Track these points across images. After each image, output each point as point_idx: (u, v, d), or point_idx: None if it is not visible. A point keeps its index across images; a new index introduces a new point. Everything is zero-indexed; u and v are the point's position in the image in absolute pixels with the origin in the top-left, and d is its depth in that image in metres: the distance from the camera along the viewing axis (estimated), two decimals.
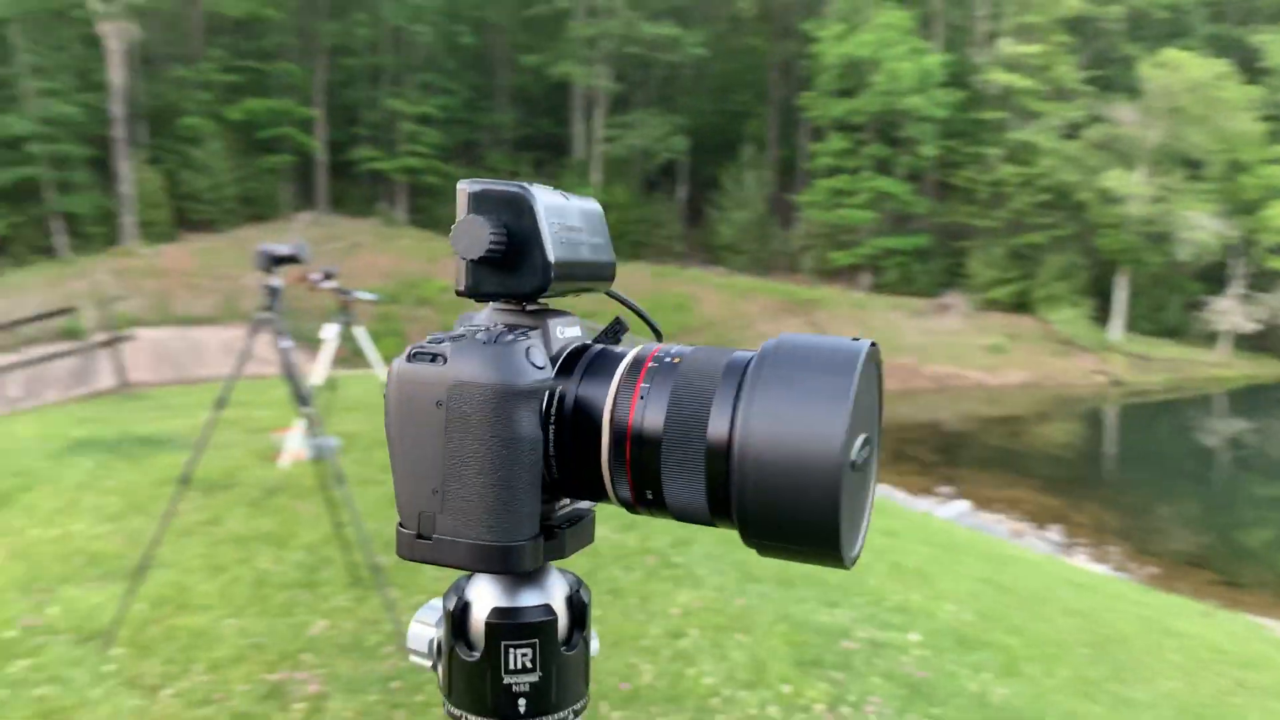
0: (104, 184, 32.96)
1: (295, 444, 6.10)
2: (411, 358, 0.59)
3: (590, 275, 0.67)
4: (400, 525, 0.61)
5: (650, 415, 0.58)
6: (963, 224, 33.22)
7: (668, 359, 0.60)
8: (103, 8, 30.61)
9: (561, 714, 0.64)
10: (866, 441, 0.56)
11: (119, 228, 31.95)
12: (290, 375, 3.48)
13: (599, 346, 0.66)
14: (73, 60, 33.18)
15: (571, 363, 0.63)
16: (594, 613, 3.00)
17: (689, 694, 3.12)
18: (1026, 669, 4.10)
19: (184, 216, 33.54)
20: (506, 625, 0.62)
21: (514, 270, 0.62)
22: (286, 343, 3.46)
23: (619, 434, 0.59)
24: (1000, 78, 31.92)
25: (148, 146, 34.36)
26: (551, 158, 39.29)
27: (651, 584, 4.21)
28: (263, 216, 35.71)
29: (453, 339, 0.60)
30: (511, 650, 0.62)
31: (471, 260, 0.61)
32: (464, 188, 0.63)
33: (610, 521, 5.02)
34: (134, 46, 33.71)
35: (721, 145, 37.53)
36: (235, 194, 34.71)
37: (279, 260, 3.50)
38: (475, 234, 0.60)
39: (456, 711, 0.63)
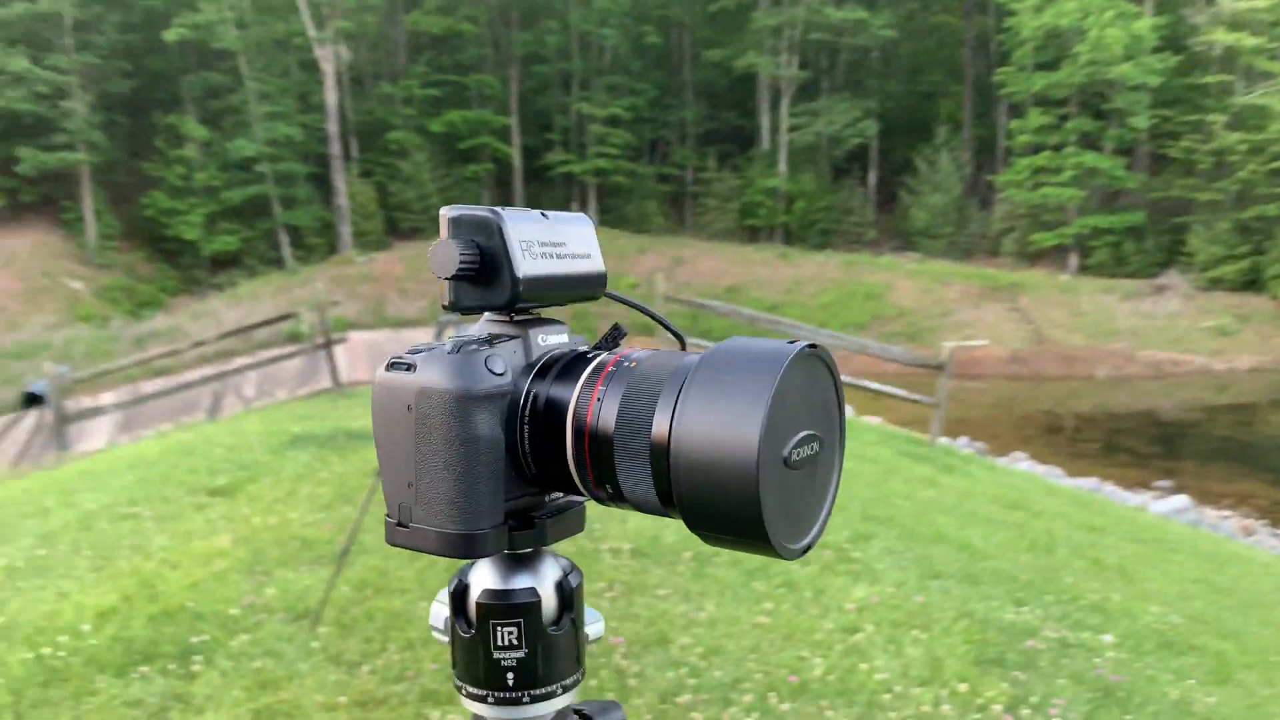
0: (323, 198, 35.61)
1: None
2: (389, 367, 0.66)
3: (572, 286, 0.73)
4: (386, 515, 0.68)
5: (605, 415, 0.63)
6: (1181, 198, 30.69)
7: (626, 364, 0.65)
8: (317, 34, 33.02)
9: (549, 688, 0.70)
10: (812, 439, 0.59)
11: (337, 238, 34.42)
12: None
13: (575, 352, 0.71)
14: (293, 85, 36.01)
15: (549, 368, 0.69)
16: (765, 606, 3.02)
17: (860, 689, 3.09)
18: (1240, 677, 3.80)
19: (394, 225, 35.72)
20: (495, 606, 0.69)
21: (489, 285, 0.68)
22: None
23: (579, 432, 0.64)
24: (1222, 37, 29.27)
25: (360, 161, 36.82)
26: (737, 150, 39.25)
27: (826, 578, 4.17)
28: None
29: (426, 350, 0.66)
30: (499, 628, 0.69)
31: (448, 278, 0.67)
32: (443, 213, 0.70)
33: None
34: (345, 68, 36.20)
35: (913, 127, 36.32)
36: (440, 202, 36.55)
37: None
38: (448, 255, 0.67)
39: (459, 683, 0.71)
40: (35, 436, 13.08)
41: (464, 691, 0.71)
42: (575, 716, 0.73)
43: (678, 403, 0.58)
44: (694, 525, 0.59)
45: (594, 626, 0.76)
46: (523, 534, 0.69)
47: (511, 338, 0.69)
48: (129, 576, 4.19)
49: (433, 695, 3.08)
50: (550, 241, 0.71)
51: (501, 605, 0.69)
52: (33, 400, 14.78)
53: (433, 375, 0.64)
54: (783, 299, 30.08)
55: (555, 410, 0.66)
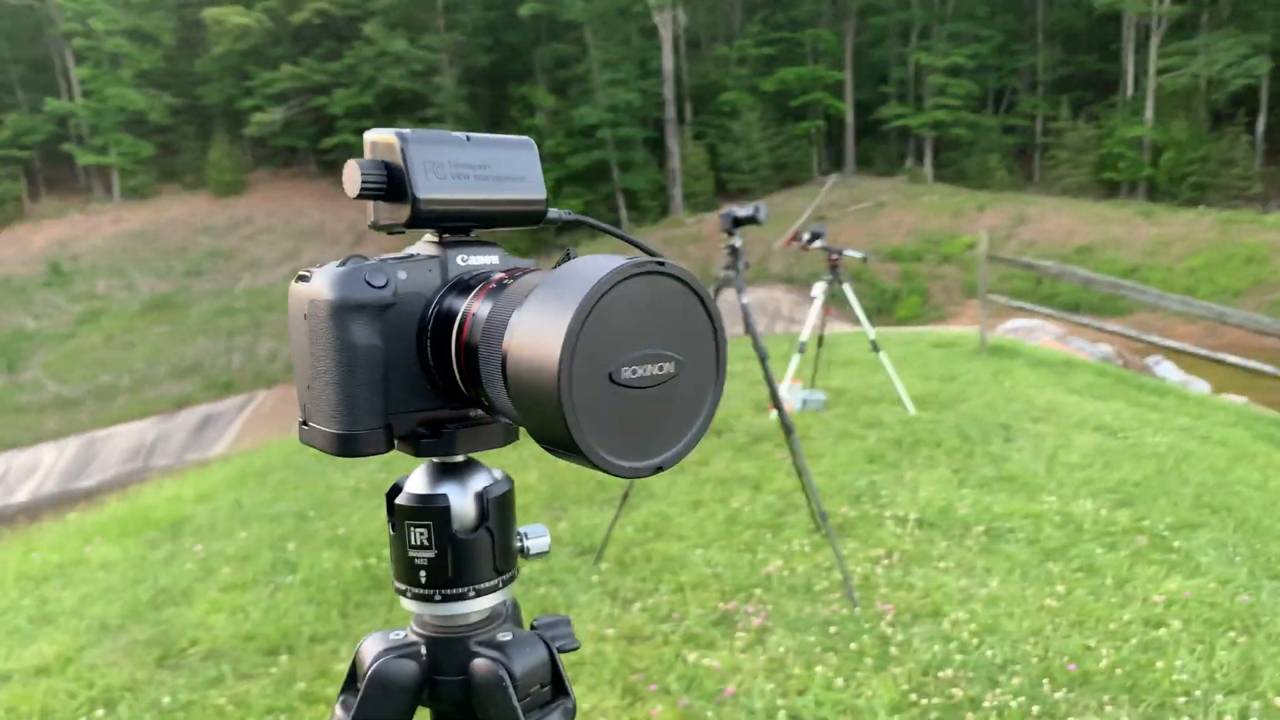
0: (657, 161, 37.00)
1: (786, 396, 6.42)
2: (296, 279, 0.70)
3: (488, 210, 0.73)
4: (300, 418, 0.72)
5: (474, 327, 0.64)
6: None
7: (508, 281, 0.64)
8: (657, 0, 34.13)
9: (461, 589, 0.72)
10: (660, 359, 0.57)
11: (669, 200, 35.68)
12: (750, 329, 3.68)
13: (486, 271, 0.71)
14: (633, 52, 37.58)
15: (458, 286, 0.69)
16: (1056, 588, 2.80)
17: (1151, 688, 2.78)
18: None
19: (723, 186, 36.41)
20: (408, 508, 0.72)
21: (397, 205, 0.70)
22: (746, 299, 3.67)
23: (458, 345, 0.65)
24: None
25: (692, 124, 37.78)
26: (1094, 97, 35.83)
27: (1136, 566, 3.76)
28: (793, 181, 37.46)
29: (334, 265, 0.69)
30: (412, 529, 0.72)
31: (354, 197, 0.70)
32: (366, 137, 0.71)
33: (1103, 497, 4.59)
34: (682, 32, 37.15)
35: None
36: (769, 161, 36.79)
37: (739, 221, 3.71)
38: (352, 175, 0.69)
39: (395, 582, 0.75)
40: None
41: (394, 584, 0.76)
42: (511, 623, 0.76)
43: (514, 318, 0.58)
44: (533, 436, 0.59)
45: (537, 541, 0.77)
46: (430, 442, 0.71)
47: (429, 256, 0.71)
48: None
49: (694, 638, 3.17)
50: (469, 164, 0.72)
51: (413, 508, 0.73)
52: None
53: (320, 286, 0.68)
54: (1143, 261, 27.20)
55: (445, 324, 0.67)
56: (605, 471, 0.57)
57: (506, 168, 0.74)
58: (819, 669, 2.92)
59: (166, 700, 2.89)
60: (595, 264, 0.56)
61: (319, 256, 32.97)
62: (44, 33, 39.65)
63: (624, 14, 37.63)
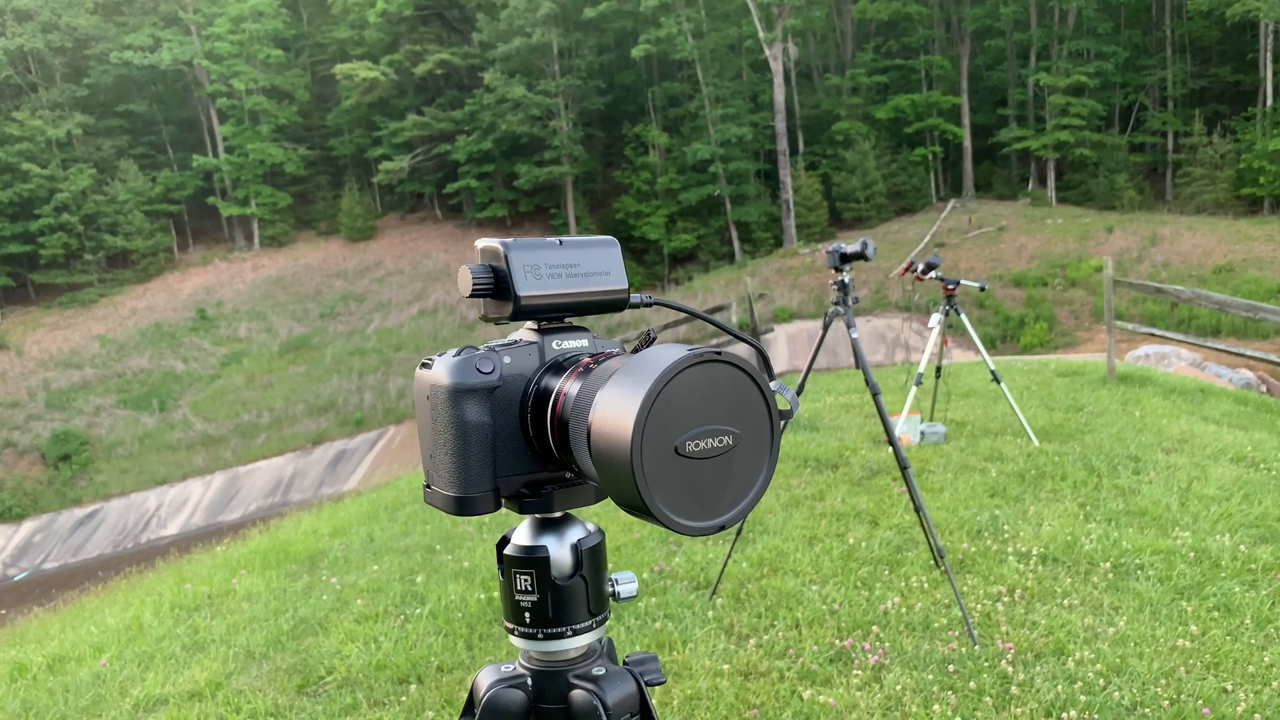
0: (770, 193, 36.97)
1: (904, 428, 6.35)
2: (422, 366, 0.82)
3: (578, 302, 0.84)
4: (424, 481, 0.83)
5: (565, 405, 0.74)
6: None
7: (594, 365, 0.75)
8: (767, 34, 34.30)
9: (560, 629, 0.83)
10: (720, 433, 0.66)
11: (782, 231, 35.56)
12: (860, 363, 3.70)
13: (579, 354, 0.82)
14: (744, 86, 37.80)
15: (554, 367, 0.81)
16: (1190, 628, 2.73)
17: None
18: None
19: (838, 215, 36.09)
20: (514, 557, 0.84)
21: (503, 301, 0.82)
22: (855, 333, 3.69)
23: (553, 418, 0.76)
24: None
25: (805, 154, 37.64)
26: (1231, 110, 34.18)
27: (1278, 606, 3.59)
28: (910, 208, 36.87)
29: (451, 354, 0.81)
30: (518, 575, 0.83)
31: (468, 296, 0.82)
32: (477, 244, 0.85)
33: (1242, 533, 4.39)
34: (792, 64, 37.19)
35: None
36: (884, 189, 36.32)
37: (847, 258, 3.74)
38: (465, 279, 0.82)
39: (505, 621, 0.86)
40: None
41: (504, 623, 0.86)
42: (605, 659, 0.86)
43: (597, 397, 0.67)
44: (612, 498, 0.68)
45: (626, 587, 0.88)
46: (531, 501, 0.82)
47: (529, 342, 0.83)
48: None
49: (810, 675, 3.18)
50: (562, 264, 0.84)
51: (518, 558, 0.84)
52: None
53: (439, 373, 0.80)
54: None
55: (543, 400, 0.79)
56: (673, 530, 0.66)
57: (594, 264, 0.86)
58: (937, 707, 2.89)
59: None
60: (664, 354, 0.66)
61: (445, 297, 34.11)
62: (192, 94, 42.48)
63: (734, 49, 37.94)
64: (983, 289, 6.83)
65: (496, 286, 0.83)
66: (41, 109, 38.95)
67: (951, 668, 3.16)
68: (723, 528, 0.69)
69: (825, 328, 3.80)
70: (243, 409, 29.40)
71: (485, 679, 0.87)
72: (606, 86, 40.34)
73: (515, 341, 0.84)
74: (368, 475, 23.46)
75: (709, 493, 0.68)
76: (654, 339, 0.83)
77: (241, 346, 34.10)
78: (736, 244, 36.47)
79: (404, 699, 3.20)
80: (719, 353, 0.67)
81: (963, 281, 6.52)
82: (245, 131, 40.84)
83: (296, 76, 43.23)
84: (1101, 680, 3.02)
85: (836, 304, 3.75)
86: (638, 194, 37.55)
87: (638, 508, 0.65)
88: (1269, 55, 32.98)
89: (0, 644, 5.36)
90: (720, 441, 0.67)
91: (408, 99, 41.73)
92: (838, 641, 3.43)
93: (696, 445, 0.66)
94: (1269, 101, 33.10)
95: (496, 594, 4.08)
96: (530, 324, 0.86)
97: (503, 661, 0.89)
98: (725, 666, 3.27)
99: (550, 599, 0.83)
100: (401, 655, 3.54)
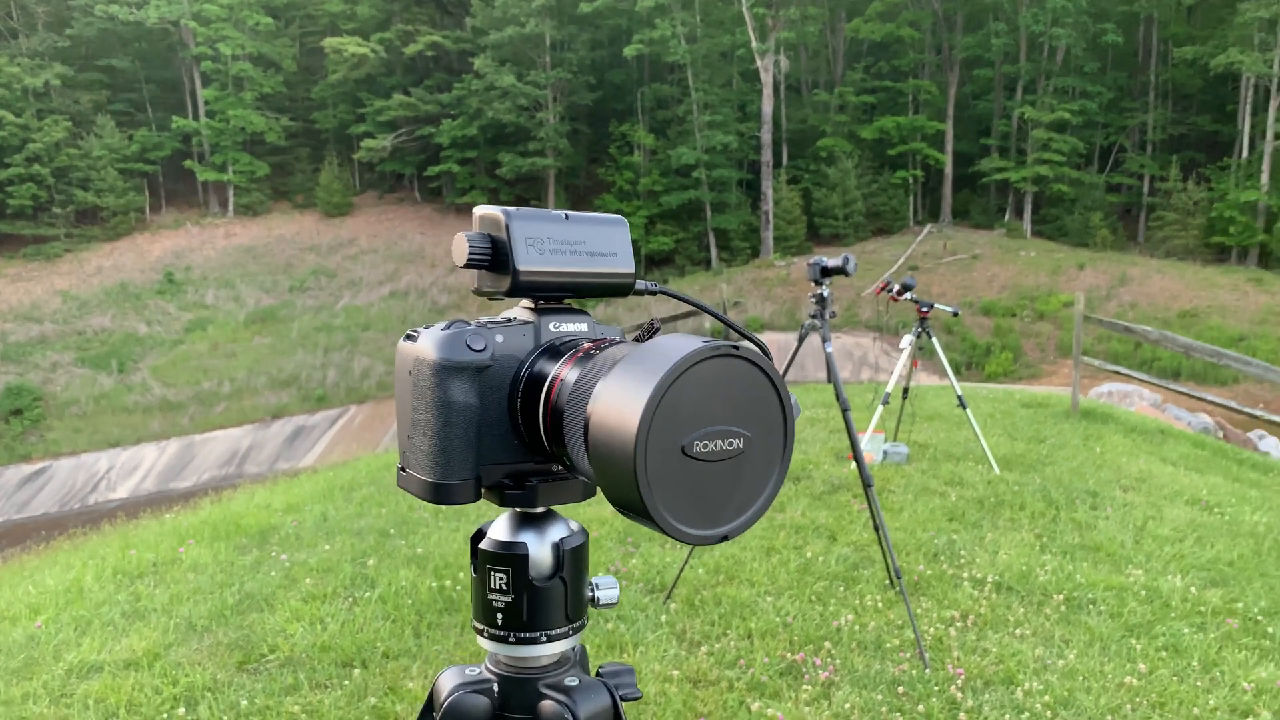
0: (751, 203, 37.07)
1: (867, 446, 6.36)
2: (405, 337, 0.76)
3: (581, 282, 0.78)
4: (399, 464, 0.77)
5: (562, 392, 0.68)
6: None
7: (595, 351, 0.69)
8: (760, 45, 34.40)
9: (534, 634, 0.77)
10: (730, 435, 0.60)
11: (760, 242, 35.67)
12: (833, 378, 3.69)
13: (577, 338, 0.76)
14: (733, 95, 37.87)
15: (549, 351, 0.74)
16: (1138, 666, 2.72)
17: None
18: None
19: (816, 231, 36.26)
20: (489, 553, 0.77)
21: (500, 275, 0.75)
22: (830, 348, 3.68)
23: (546, 406, 0.70)
24: None
25: (788, 167, 37.79)
26: (1206, 159, 34.74)
27: (1225, 650, 3.62)
28: (887, 229, 37.12)
29: (439, 327, 0.74)
30: (492, 573, 0.77)
31: (462, 266, 0.75)
32: (475, 211, 0.77)
33: (1194, 575, 4.43)
34: (783, 77, 37.32)
35: None
36: (863, 209, 36.55)
37: (828, 271, 3.73)
38: (460, 246, 0.75)
39: (473, 621, 0.80)
40: None
41: (473, 623, 0.80)
42: (578, 669, 0.80)
43: (598, 387, 0.61)
44: (609, 500, 0.62)
45: (607, 592, 0.82)
46: (514, 494, 0.76)
47: (524, 322, 0.77)
48: None
49: (760, 687, 3.16)
50: (566, 240, 0.77)
51: (495, 554, 0.77)
52: None
53: (425, 346, 0.74)
54: (1251, 330, 26.13)
55: (535, 385, 0.72)
56: (673, 537, 0.61)
57: (600, 243, 0.80)
58: None
59: (244, 704, 3.00)
60: (675, 344, 0.60)
61: (417, 280, 33.83)
62: (177, 54, 41.84)
63: (726, 57, 38.02)
64: (956, 314, 6.86)
65: (494, 258, 0.76)
66: (20, 56, 38.20)
67: (901, 689, 3.15)
68: (725, 538, 0.64)
69: (800, 340, 3.79)
70: (204, 377, 29.00)
71: (448, 682, 0.80)
72: (596, 83, 40.25)
73: (509, 320, 0.78)
74: (326, 453, 23.22)
75: (714, 499, 0.62)
76: (658, 329, 0.78)
77: (207, 313, 33.64)
78: (714, 251, 36.52)
79: (347, 683, 3.14)
80: (736, 347, 0.61)
81: (937, 305, 6.54)
82: (228, 97, 40.29)
83: (285, 46, 42.72)
84: (1049, 712, 3.02)
85: (814, 317, 3.74)
86: (620, 193, 37.48)
87: (635, 510, 0.59)
88: (1248, 108, 33.56)
89: None
90: (731, 444, 0.61)
91: (395, 78, 41.39)
92: (789, 655, 3.41)
93: (705, 446, 0.60)
94: (1245, 153, 33.68)
95: (448, 582, 4.02)
96: (526, 302, 0.80)
97: (467, 664, 0.82)
98: (675, 672, 3.24)
99: (526, 600, 0.77)
100: (347, 638, 3.48)
